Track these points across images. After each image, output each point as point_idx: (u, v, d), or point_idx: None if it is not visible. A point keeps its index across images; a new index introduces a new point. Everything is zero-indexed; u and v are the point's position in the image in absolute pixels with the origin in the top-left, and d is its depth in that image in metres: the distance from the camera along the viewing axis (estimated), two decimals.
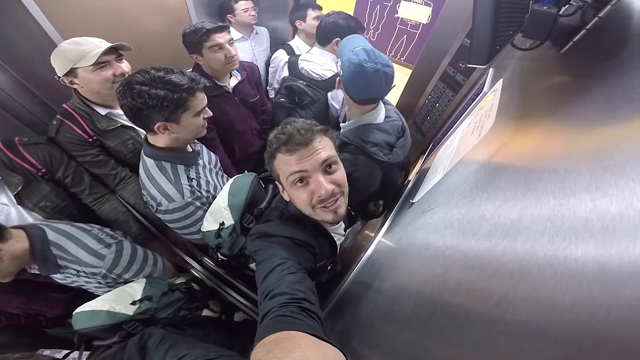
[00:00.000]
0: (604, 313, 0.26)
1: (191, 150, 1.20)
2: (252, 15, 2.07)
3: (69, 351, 0.97)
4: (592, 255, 0.29)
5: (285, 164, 0.78)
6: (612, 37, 0.54)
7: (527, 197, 0.43)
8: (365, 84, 1.03)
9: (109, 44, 1.17)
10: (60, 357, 1.00)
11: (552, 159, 0.46)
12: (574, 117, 0.50)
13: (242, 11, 2.03)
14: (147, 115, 0.97)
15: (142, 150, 1.13)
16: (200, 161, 1.23)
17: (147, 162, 1.09)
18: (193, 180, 1.14)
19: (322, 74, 1.68)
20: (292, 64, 1.77)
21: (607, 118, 0.42)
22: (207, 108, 1.09)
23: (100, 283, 1.10)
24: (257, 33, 2.23)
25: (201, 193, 1.14)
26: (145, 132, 1.09)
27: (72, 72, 1.14)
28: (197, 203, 1.10)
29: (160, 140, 1.07)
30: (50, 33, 1.31)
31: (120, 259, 1.11)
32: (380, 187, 1.22)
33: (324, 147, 0.77)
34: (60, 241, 1.02)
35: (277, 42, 2.35)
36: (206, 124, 1.12)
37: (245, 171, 1.23)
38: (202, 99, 1.05)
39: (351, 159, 1.10)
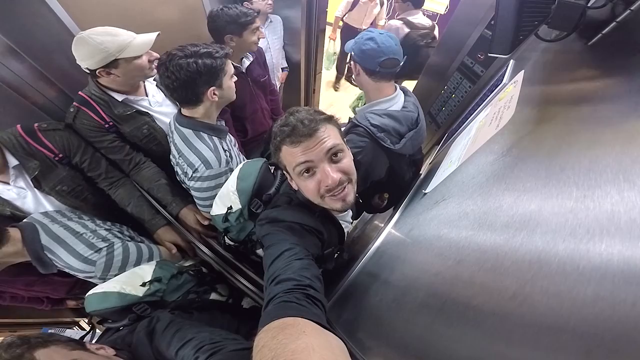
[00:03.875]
0: (629, 308, 0.25)
1: (218, 124, 1.26)
2: (270, 4, 2.10)
3: (85, 332, 1.00)
4: (618, 248, 0.28)
5: (290, 156, 0.77)
6: None
7: (548, 188, 0.42)
8: (376, 45, 1.10)
9: (134, 33, 1.19)
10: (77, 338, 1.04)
11: (576, 150, 0.44)
12: (602, 109, 0.48)
13: None
14: (199, 84, 1.07)
15: (174, 125, 1.19)
16: (229, 137, 1.31)
17: (185, 132, 1.16)
18: (226, 151, 1.21)
19: None
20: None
21: (637, 111, 0.40)
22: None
23: (99, 281, 1.13)
24: (271, 21, 2.22)
25: (233, 165, 1.20)
26: (180, 106, 1.18)
27: (113, 63, 1.16)
28: (229, 175, 1.15)
29: (199, 111, 1.15)
30: (67, 22, 1.32)
31: (113, 262, 1.14)
32: (386, 178, 1.21)
33: (329, 136, 0.76)
34: (52, 246, 1.06)
35: (291, 30, 2.33)
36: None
37: (258, 155, 1.28)
38: (230, 63, 1.17)
39: (357, 140, 1.11)
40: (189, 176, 1.15)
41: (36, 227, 1.05)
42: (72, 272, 1.11)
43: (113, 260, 1.14)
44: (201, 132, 1.16)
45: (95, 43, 1.11)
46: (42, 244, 1.04)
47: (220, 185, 1.12)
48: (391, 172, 1.22)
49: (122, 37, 1.15)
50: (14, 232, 1.01)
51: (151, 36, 1.21)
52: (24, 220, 1.08)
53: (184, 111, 1.17)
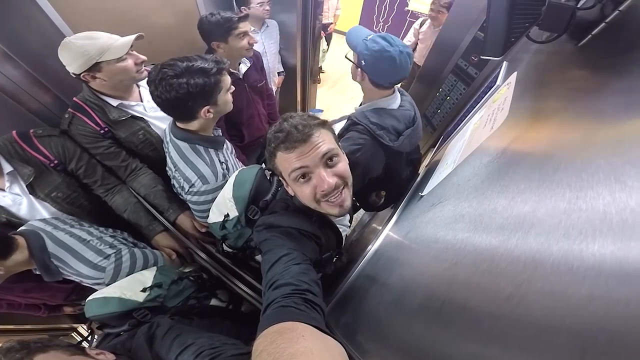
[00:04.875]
0: (622, 308, 0.25)
1: (214, 135, 1.24)
2: (267, 10, 2.10)
3: (83, 338, 1.00)
4: (610, 249, 0.29)
5: (285, 162, 0.77)
6: (632, 31, 0.52)
7: (541, 190, 0.42)
8: (394, 67, 1.05)
9: (118, 36, 1.19)
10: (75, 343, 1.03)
11: (569, 151, 0.45)
12: (593, 110, 0.49)
13: (258, 5, 2.04)
14: (192, 104, 1.04)
15: (169, 136, 1.17)
16: (225, 145, 1.29)
17: (181, 146, 1.14)
18: (223, 163, 1.20)
19: None
20: None
21: (627, 111, 0.41)
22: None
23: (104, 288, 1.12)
24: (267, 26, 2.23)
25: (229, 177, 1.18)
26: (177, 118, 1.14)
27: (95, 66, 1.15)
28: None
29: (195, 124, 1.11)
30: (61, 27, 1.32)
31: (121, 268, 1.14)
32: (384, 175, 1.22)
33: (324, 141, 0.76)
34: (60, 254, 1.05)
35: (287, 35, 2.34)
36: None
37: (255, 160, 1.27)
38: (227, 76, 1.11)
39: (357, 137, 1.12)
40: (186, 190, 1.15)
41: (40, 234, 1.04)
42: (79, 279, 1.10)
43: (121, 267, 1.14)
44: (197, 145, 1.14)
45: (75, 47, 1.11)
46: (50, 251, 1.03)
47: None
48: (388, 170, 1.23)
49: (102, 40, 1.15)
50: (20, 240, 1.00)
51: (129, 38, 1.20)
52: (23, 227, 1.07)
53: (179, 123, 1.14)
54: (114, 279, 1.11)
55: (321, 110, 1.54)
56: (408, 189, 1.29)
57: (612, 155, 0.36)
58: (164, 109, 1.07)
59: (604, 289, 0.27)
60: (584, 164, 0.39)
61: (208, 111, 1.08)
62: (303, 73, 2.56)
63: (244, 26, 1.57)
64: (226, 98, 1.13)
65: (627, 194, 0.30)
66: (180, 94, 0.99)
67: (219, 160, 1.18)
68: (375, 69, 1.08)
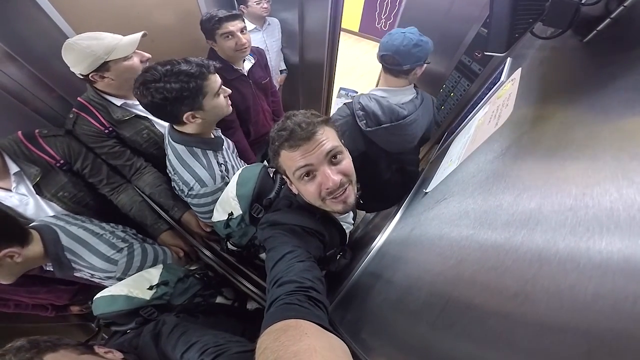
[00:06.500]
0: (629, 306, 0.25)
1: (214, 136, 1.24)
2: (265, 8, 2.08)
3: (91, 336, 1.01)
4: (618, 246, 0.28)
5: (290, 160, 0.77)
6: (637, 26, 0.52)
7: (547, 186, 0.42)
8: (386, 40, 1.19)
9: (121, 36, 1.20)
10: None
11: (575, 147, 0.44)
12: (599, 106, 0.48)
13: (255, 3, 2.04)
14: (172, 109, 1.01)
15: (168, 138, 1.17)
16: (225, 146, 1.28)
17: (178, 149, 1.13)
18: (222, 165, 1.19)
19: None
20: None
21: (634, 107, 0.40)
22: (224, 87, 1.11)
23: (114, 282, 1.13)
24: (269, 24, 2.22)
25: (229, 179, 1.17)
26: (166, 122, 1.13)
27: (103, 66, 1.16)
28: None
29: (188, 127, 1.10)
30: (63, 28, 1.33)
31: (133, 262, 1.15)
32: (359, 165, 1.23)
33: (328, 138, 0.76)
34: (74, 247, 1.06)
35: (288, 33, 2.33)
36: (229, 101, 1.15)
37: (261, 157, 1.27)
38: (215, 80, 1.06)
39: (342, 109, 1.27)
40: (185, 193, 1.15)
41: (53, 228, 1.05)
42: (91, 273, 1.12)
43: (133, 260, 1.15)
44: (194, 148, 1.13)
45: (81, 48, 1.11)
46: (63, 244, 1.04)
47: (217, 200, 1.11)
48: (365, 162, 1.28)
49: (108, 40, 1.16)
50: (34, 233, 1.01)
51: (136, 36, 1.22)
52: (35, 223, 1.08)
53: (175, 126, 1.12)
54: (126, 272, 1.12)
55: (356, 92, 1.68)
56: (393, 196, 1.30)
57: (618, 152, 0.36)
58: (153, 113, 1.06)
59: (610, 286, 0.27)
60: (590, 160, 0.39)
61: (193, 116, 1.04)
62: (329, 73, 2.51)
63: (231, 26, 1.53)
64: (215, 103, 1.07)
65: (634, 190, 0.30)
66: (157, 99, 0.96)
67: (218, 162, 1.17)
68: (382, 42, 1.22)
